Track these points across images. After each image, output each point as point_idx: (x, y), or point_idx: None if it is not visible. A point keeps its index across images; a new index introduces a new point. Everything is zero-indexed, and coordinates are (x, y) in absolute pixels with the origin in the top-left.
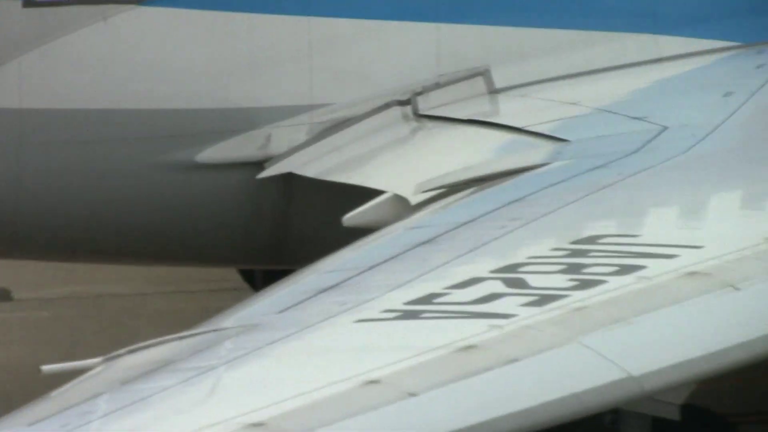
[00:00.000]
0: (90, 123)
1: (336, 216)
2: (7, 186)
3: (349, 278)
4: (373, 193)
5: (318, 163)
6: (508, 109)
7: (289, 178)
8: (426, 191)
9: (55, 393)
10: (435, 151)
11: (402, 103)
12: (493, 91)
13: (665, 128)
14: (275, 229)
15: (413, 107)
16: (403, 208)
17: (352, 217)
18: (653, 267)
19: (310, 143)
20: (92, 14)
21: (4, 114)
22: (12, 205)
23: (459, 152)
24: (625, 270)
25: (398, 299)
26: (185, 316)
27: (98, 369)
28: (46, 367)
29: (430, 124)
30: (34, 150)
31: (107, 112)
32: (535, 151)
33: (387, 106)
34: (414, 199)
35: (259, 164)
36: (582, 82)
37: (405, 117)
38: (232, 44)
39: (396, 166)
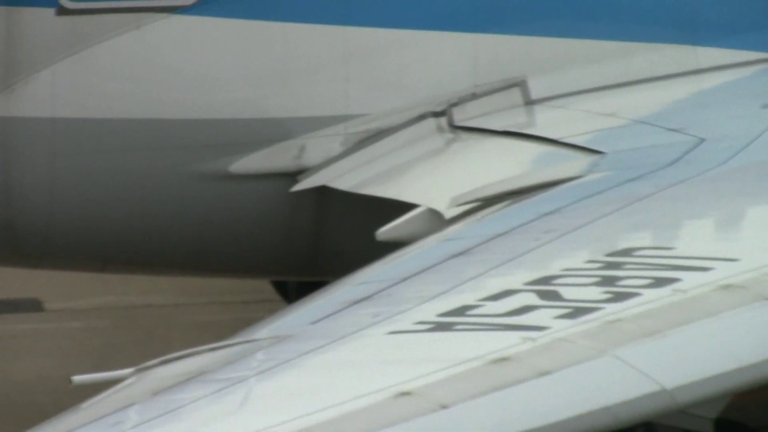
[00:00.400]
0: (123, 132)
1: (370, 228)
2: (40, 196)
3: (382, 290)
4: (407, 206)
5: (352, 176)
6: (544, 121)
7: (324, 189)
8: (460, 205)
9: (86, 404)
10: (469, 163)
11: (437, 114)
12: (530, 102)
13: (702, 140)
14: (309, 241)
15: (449, 118)
16: (437, 221)
17: (386, 232)
18: (688, 280)
19: (344, 155)
20: (126, 22)
21: (37, 123)
22: (45, 214)
23: (494, 165)
24: (659, 283)
25: (431, 311)
26: (218, 327)
27: (130, 380)
28: (78, 378)
29: (465, 135)
30: (67, 160)
31: (140, 121)
32: (570, 164)
33: (422, 117)
34: (448, 213)
35: (294, 175)
36: (619, 93)
37: (440, 128)
38: (267, 53)
39: (430, 179)
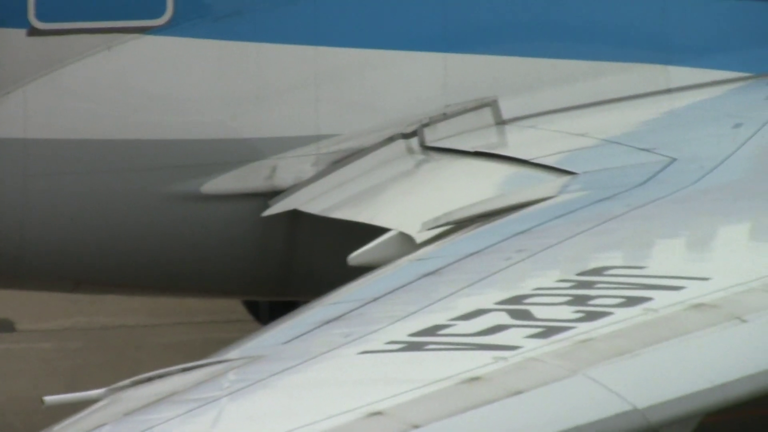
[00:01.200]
0: (95, 153)
1: (342, 249)
2: (12, 216)
3: (354, 309)
4: (379, 228)
5: (323, 200)
6: (516, 141)
7: (295, 211)
8: (431, 228)
9: (57, 427)
10: (440, 186)
11: (406, 135)
12: (501, 122)
13: (674, 160)
14: (281, 261)
15: (420, 139)
16: (408, 245)
17: (357, 257)
18: (660, 299)
19: (315, 179)
20: (97, 43)
21: (9, 144)
22: (17, 235)
23: (465, 187)
24: (631, 302)
25: (402, 331)
26: (190, 347)
27: (101, 401)
28: (49, 398)
29: (436, 156)
30: (39, 181)
31: (112, 142)
32: (541, 186)
33: (391, 139)
34: (419, 237)
35: (266, 196)
36: (590, 113)
37: (410, 150)
38: (237, 74)
39: (401, 202)
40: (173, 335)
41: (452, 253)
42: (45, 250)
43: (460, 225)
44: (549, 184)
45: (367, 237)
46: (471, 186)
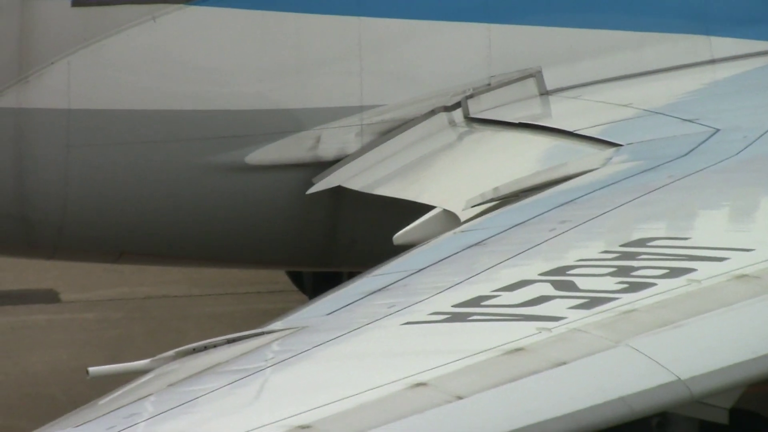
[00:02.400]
0: (138, 124)
1: (385, 220)
2: (55, 187)
3: (398, 281)
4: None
5: (366, 175)
6: (560, 112)
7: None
8: (475, 206)
9: (103, 401)
10: (484, 161)
11: (448, 108)
12: (545, 93)
13: (717, 131)
14: (324, 232)
15: (464, 110)
16: (453, 223)
17: (402, 236)
18: (703, 270)
19: (357, 154)
20: (141, 14)
21: (52, 114)
22: (60, 206)
23: (508, 161)
24: (674, 273)
25: (446, 302)
26: (232, 318)
27: (146, 372)
28: (93, 369)
29: (479, 128)
30: (82, 151)
31: (155, 113)
32: (585, 158)
33: (433, 112)
34: (463, 215)
35: (309, 166)
36: (634, 84)
37: (452, 123)
38: (281, 44)
39: (444, 178)
40: (216, 306)
41: (496, 225)
42: (88, 220)
43: (505, 201)
44: (593, 156)
45: (411, 209)
46: (514, 160)
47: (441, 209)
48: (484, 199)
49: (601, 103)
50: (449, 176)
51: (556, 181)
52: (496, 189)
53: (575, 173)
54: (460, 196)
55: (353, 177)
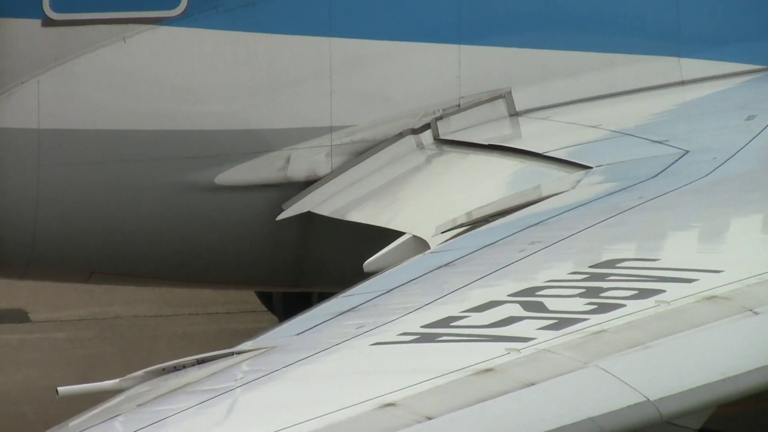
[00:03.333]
0: (108, 144)
1: (355, 241)
2: (25, 207)
3: (367, 301)
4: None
5: (336, 200)
6: (529, 133)
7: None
8: (445, 231)
9: (73, 422)
10: (453, 184)
11: (416, 131)
12: (515, 114)
13: (686, 152)
14: (294, 252)
15: (434, 132)
16: (422, 249)
17: (372, 263)
18: (672, 291)
19: (326, 179)
20: (112, 34)
21: (23, 134)
22: (31, 225)
23: (477, 185)
24: (643, 294)
25: (415, 322)
26: (203, 338)
27: (116, 391)
28: (63, 389)
29: (448, 150)
30: (53, 170)
31: (126, 132)
32: (554, 183)
33: (401, 135)
34: (433, 242)
35: (279, 186)
36: (604, 105)
37: (420, 146)
38: (251, 65)
39: (413, 203)
40: (187, 326)
41: (466, 246)
42: (58, 240)
43: (475, 226)
44: (562, 180)
45: (380, 231)
46: (484, 183)
47: (410, 235)
48: (454, 225)
49: (570, 124)
50: (419, 201)
51: (526, 204)
52: (466, 215)
53: (545, 196)
54: (429, 221)
55: (323, 202)
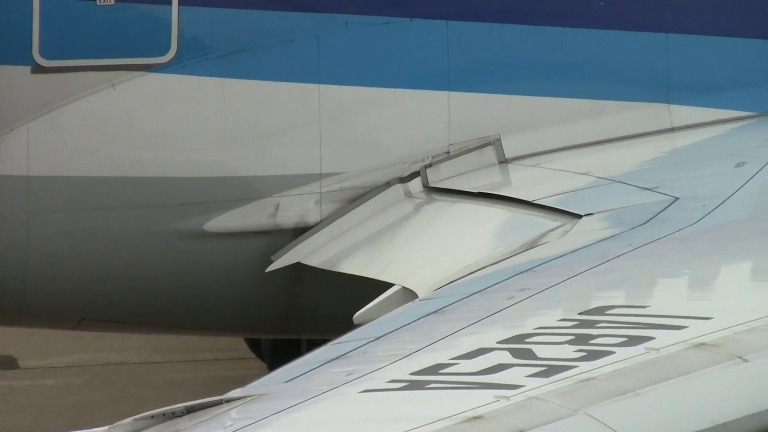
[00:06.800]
0: (98, 191)
1: (345, 289)
2: (15, 253)
3: (357, 348)
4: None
5: (325, 251)
6: (519, 180)
7: None
8: (438, 289)
9: None
10: (442, 234)
11: (403, 179)
12: (504, 161)
13: (676, 199)
14: (284, 299)
15: (423, 179)
16: (412, 299)
17: (361, 315)
18: (661, 338)
19: (317, 228)
20: (101, 80)
21: (12, 181)
22: (20, 272)
23: (467, 234)
24: (633, 341)
25: (405, 369)
26: (192, 385)
27: None
28: None
29: (438, 198)
30: (42, 217)
31: (115, 180)
32: (543, 234)
33: (388, 184)
34: (422, 294)
35: (269, 233)
36: (593, 152)
37: (408, 194)
38: (241, 111)
39: (403, 254)
40: (176, 372)
41: (455, 293)
42: (48, 287)
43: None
44: (552, 232)
45: (370, 279)
46: (473, 232)
47: (400, 287)
48: (445, 281)
49: (560, 171)
50: (408, 252)
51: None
52: (454, 271)
53: (534, 246)
54: (419, 273)
55: (312, 253)
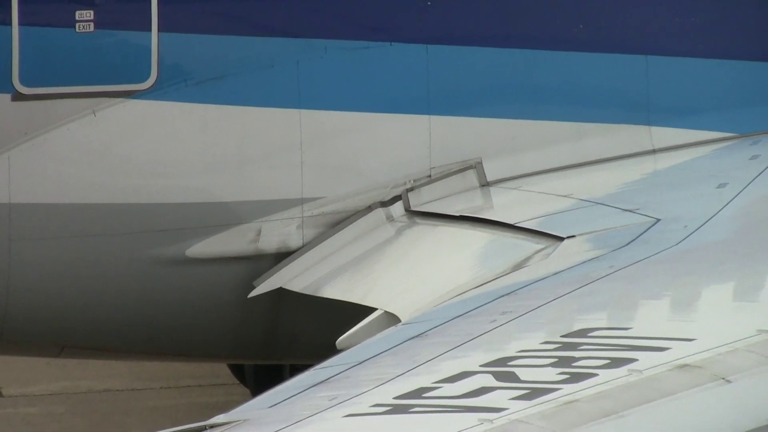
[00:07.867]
0: (79, 218)
1: (326, 314)
2: None
3: (340, 373)
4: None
5: (307, 276)
6: (500, 203)
7: None
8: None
9: None
10: (424, 258)
11: (385, 203)
12: (485, 184)
13: (658, 220)
14: (266, 325)
15: (405, 203)
16: (394, 324)
17: (344, 340)
18: (644, 360)
19: (298, 253)
20: (82, 107)
21: None
22: (2, 300)
23: (448, 258)
24: (615, 363)
25: (388, 393)
26: (175, 411)
27: None
28: None
29: (420, 221)
30: (23, 245)
31: (96, 206)
32: (524, 258)
33: (370, 209)
34: (405, 317)
35: (250, 259)
36: (575, 174)
37: (389, 218)
38: (222, 137)
39: (385, 279)
40: (159, 399)
41: (437, 317)
42: (29, 314)
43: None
44: (534, 254)
45: (352, 303)
46: (455, 256)
47: (382, 311)
48: (428, 305)
49: (541, 194)
50: (390, 276)
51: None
52: (439, 294)
53: (516, 269)
54: (401, 297)
55: (294, 278)
